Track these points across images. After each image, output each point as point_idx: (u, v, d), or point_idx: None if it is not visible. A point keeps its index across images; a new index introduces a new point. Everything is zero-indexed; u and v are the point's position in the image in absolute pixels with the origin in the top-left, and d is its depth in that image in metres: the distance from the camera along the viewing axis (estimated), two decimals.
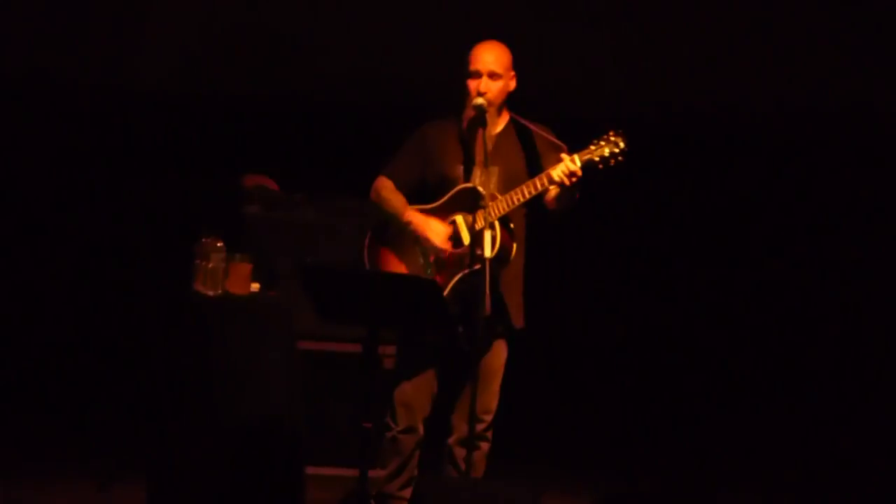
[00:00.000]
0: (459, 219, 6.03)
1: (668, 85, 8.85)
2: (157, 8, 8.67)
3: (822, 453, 8.62)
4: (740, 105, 8.89)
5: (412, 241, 6.09)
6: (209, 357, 6.24)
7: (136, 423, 6.87)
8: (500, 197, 5.95)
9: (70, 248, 8.73)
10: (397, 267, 6.10)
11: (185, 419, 6.21)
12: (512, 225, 6.00)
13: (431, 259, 6.06)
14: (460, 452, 6.09)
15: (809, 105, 8.83)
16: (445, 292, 5.94)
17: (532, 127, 6.10)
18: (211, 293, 6.33)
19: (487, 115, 6.01)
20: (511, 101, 6.15)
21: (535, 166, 6.06)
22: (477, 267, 5.86)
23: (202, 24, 8.66)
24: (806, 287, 9.06)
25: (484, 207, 5.88)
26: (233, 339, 6.28)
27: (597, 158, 5.85)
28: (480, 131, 6.02)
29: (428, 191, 6.13)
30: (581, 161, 5.85)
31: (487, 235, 5.80)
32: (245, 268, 6.40)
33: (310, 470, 6.54)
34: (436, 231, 6.03)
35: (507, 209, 5.93)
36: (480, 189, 5.96)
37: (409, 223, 6.06)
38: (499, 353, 6.17)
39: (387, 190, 6.14)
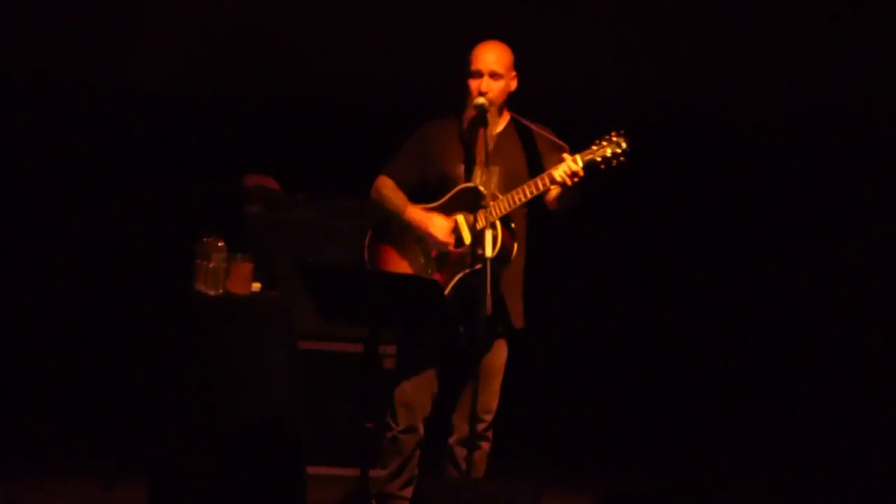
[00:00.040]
0: (461, 218, 6.03)
1: (668, 85, 8.85)
2: (158, 8, 8.66)
3: (822, 453, 8.62)
4: (740, 105, 8.89)
5: (413, 239, 6.09)
6: (210, 357, 6.25)
7: (136, 423, 6.88)
8: (501, 197, 5.95)
9: (71, 248, 8.72)
10: (398, 265, 6.10)
11: (185, 419, 6.21)
12: (513, 225, 6.00)
13: (434, 255, 6.06)
14: (461, 452, 6.09)
15: (809, 105, 8.83)
16: (446, 292, 5.94)
17: (533, 127, 6.10)
18: (212, 293, 6.34)
19: (488, 115, 6.01)
20: (511, 101, 6.15)
21: (536, 166, 6.06)
22: (478, 267, 5.86)
23: (202, 24, 8.66)
24: (806, 287, 9.06)
25: (485, 207, 5.88)
26: (234, 338, 6.29)
27: (599, 159, 5.86)
28: (482, 131, 6.02)
29: (429, 190, 6.13)
30: (583, 161, 5.85)
31: (489, 235, 5.80)
32: (246, 267, 6.41)
33: (311, 470, 6.54)
34: (438, 226, 6.03)
35: (508, 209, 5.93)
36: (482, 189, 5.96)
37: (410, 220, 6.06)
38: (499, 352, 6.17)
39: (387, 188, 6.14)
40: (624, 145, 5.87)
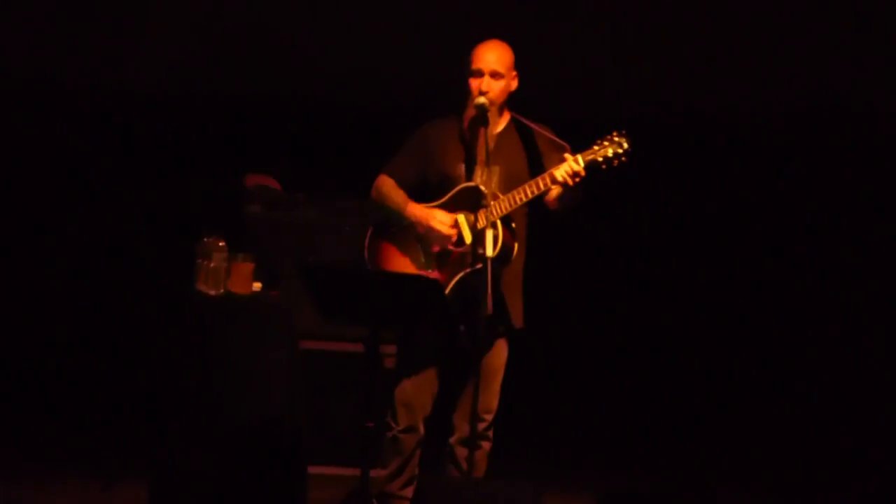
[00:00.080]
0: (461, 218, 6.03)
1: (668, 85, 8.85)
2: (158, 8, 8.66)
3: (822, 453, 8.62)
4: (740, 105, 8.89)
5: (414, 237, 6.09)
6: (211, 356, 6.25)
7: (137, 423, 6.88)
8: (501, 196, 5.95)
9: (72, 248, 8.72)
10: (398, 262, 6.09)
11: (186, 418, 6.22)
12: (514, 224, 6.00)
13: (436, 250, 6.05)
14: (462, 452, 6.09)
15: (809, 105, 8.83)
16: (447, 291, 5.94)
17: (533, 126, 6.10)
18: (213, 293, 6.34)
19: (489, 115, 6.01)
20: (511, 101, 6.15)
21: (537, 166, 6.06)
22: (479, 266, 5.86)
23: (203, 24, 8.66)
24: (806, 287, 9.06)
25: (486, 206, 5.88)
26: (234, 338, 6.30)
27: (600, 159, 5.86)
28: (482, 130, 6.01)
29: (429, 190, 6.13)
30: (584, 161, 5.85)
31: (489, 235, 5.80)
32: (247, 267, 6.42)
33: (311, 469, 6.56)
34: (440, 220, 6.02)
35: (509, 209, 5.93)
36: (482, 188, 5.96)
37: (412, 217, 6.06)
38: (500, 352, 6.17)
39: (388, 187, 6.14)
40: (625, 145, 5.87)
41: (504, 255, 5.95)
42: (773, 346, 9.09)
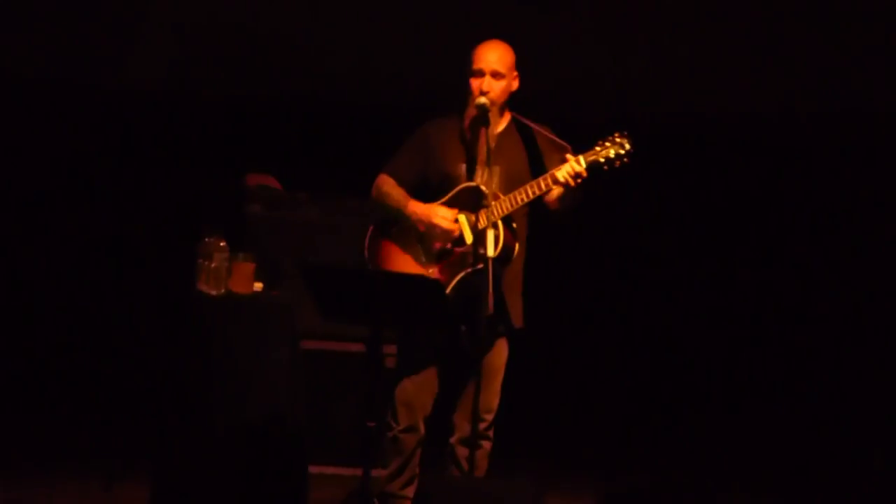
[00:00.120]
0: (462, 217, 6.03)
1: (669, 85, 8.85)
2: (158, 8, 8.66)
3: (821, 453, 8.63)
4: (740, 106, 8.89)
5: (415, 237, 6.09)
6: (212, 356, 6.25)
7: (138, 423, 6.88)
8: (503, 196, 5.95)
9: (73, 248, 8.73)
10: (399, 261, 6.09)
11: (188, 418, 6.21)
12: (514, 224, 6.01)
13: (437, 246, 6.05)
14: (463, 452, 6.10)
15: (809, 107, 8.83)
16: (447, 291, 5.94)
17: (534, 126, 6.10)
18: (214, 292, 6.34)
19: (490, 115, 6.01)
20: (511, 101, 6.15)
21: (538, 166, 6.06)
22: (479, 266, 5.86)
23: (203, 24, 8.66)
24: (806, 287, 9.06)
25: (487, 206, 5.88)
26: (236, 338, 6.29)
27: (602, 160, 5.86)
28: (483, 130, 6.01)
29: (430, 189, 6.13)
30: (586, 162, 5.85)
31: (490, 234, 5.80)
32: (248, 267, 6.41)
33: (313, 469, 6.56)
34: (442, 215, 6.02)
35: (510, 209, 5.93)
36: (484, 188, 5.96)
37: (413, 214, 6.06)
38: (500, 351, 6.17)
39: (388, 185, 6.14)
40: (627, 146, 5.87)
41: (505, 255, 5.95)
42: (773, 345, 9.09)
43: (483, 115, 6.00)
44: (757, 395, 9.03)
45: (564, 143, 5.98)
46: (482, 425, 6.06)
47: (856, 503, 8.11)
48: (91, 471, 7.26)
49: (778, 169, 9.05)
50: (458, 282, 5.98)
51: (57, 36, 8.60)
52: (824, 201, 9.00)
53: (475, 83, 6.05)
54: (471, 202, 6.01)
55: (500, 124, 6.14)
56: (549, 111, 6.24)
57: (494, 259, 5.80)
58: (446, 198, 6.07)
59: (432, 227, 6.02)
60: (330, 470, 7.32)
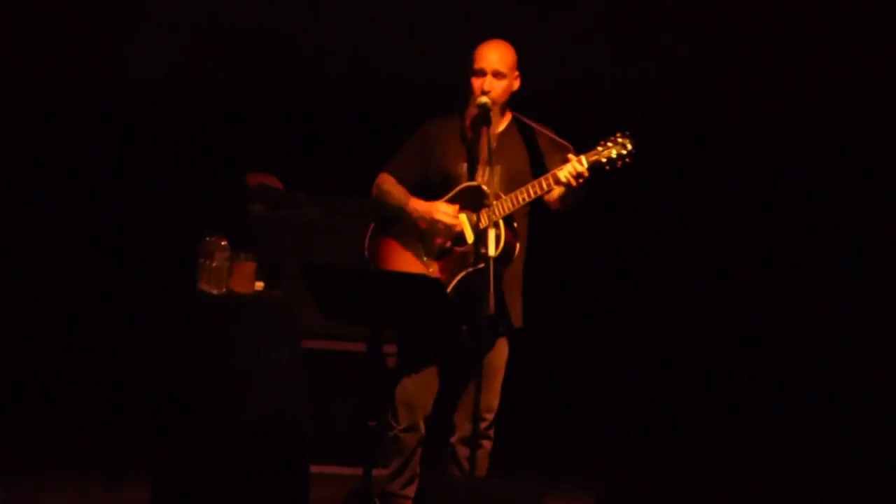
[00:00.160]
0: (463, 217, 6.03)
1: (668, 85, 8.85)
2: (159, 8, 8.66)
3: (822, 453, 8.63)
4: (740, 105, 8.89)
5: (416, 236, 6.08)
6: (213, 356, 6.24)
7: (139, 422, 6.87)
8: (504, 196, 5.94)
9: (74, 248, 8.72)
10: (400, 258, 6.08)
11: (189, 418, 6.21)
12: (515, 224, 6.00)
13: (439, 241, 6.04)
14: (463, 451, 6.09)
15: (809, 105, 8.83)
16: (448, 290, 5.94)
17: (535, 126, 6.10)
18: (215, 292, 6.33)
19: (491, 114, 6.01)
20: (511, 101, 6.15)
21: (538, 165, 6.06)
22: (480, 266, 5.86)
23: (204, 24, 8.66)
24: (806, 287, 9.07)
25: (489, 206, 5.88)
26: (237, 337, 6.29)
27: (604, 160, 5.85)
28: (484, 129, 6.01)
29: (431, 189, 6.12)
30: (588, 162, 5.84)
31: (492, 234, 5.80)
32: (249, 266, 6.41)
33: (314, 468, 6.55)
34: (444, 211, 6.01)
35: (511, 208, 5.93)
36: (485, 188, 5.95)
37: (414, 211, 6.05)
38: (501, 351, 6.17)
39: (389, 184, 6.13)
40: (629, 146, 5.86)
41: (506, 254, 5.95)
42: (773, 345, 9.09)
43: (484, 115, 5.99)
44: (757, 395, 9.03)
45: (566, 143, 5.97)
46: (483, 425, 6.06)
47: (856, 503, 8.11)
48: (91, 471, 7.25)
49: (778, 169, 9.05)
50: (459, 281, 5.98)
51: (57, 36, 8.60)
52: (824, 201, 9.01)
53: (476, 82, 6.05)
54: (472, 201, 6.00)
55: (501, 124, 6.13)
56: (550, 111, 6.24)
57: (495, 259, 5.80)
58: (447, 197, 6.07)
59: (434, 223, 6.02)
60: (330, 469, 7.32)
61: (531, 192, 5.90)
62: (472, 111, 6.05)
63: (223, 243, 6.35)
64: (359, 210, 7.28)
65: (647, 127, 6.31)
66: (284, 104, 8.77)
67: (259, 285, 6.48)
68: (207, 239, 6.36)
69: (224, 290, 6.34)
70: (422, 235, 6.08)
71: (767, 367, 9.08)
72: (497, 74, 6.04)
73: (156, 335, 6.60)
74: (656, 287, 9.17)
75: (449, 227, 6.00)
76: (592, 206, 6.22)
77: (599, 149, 5.87)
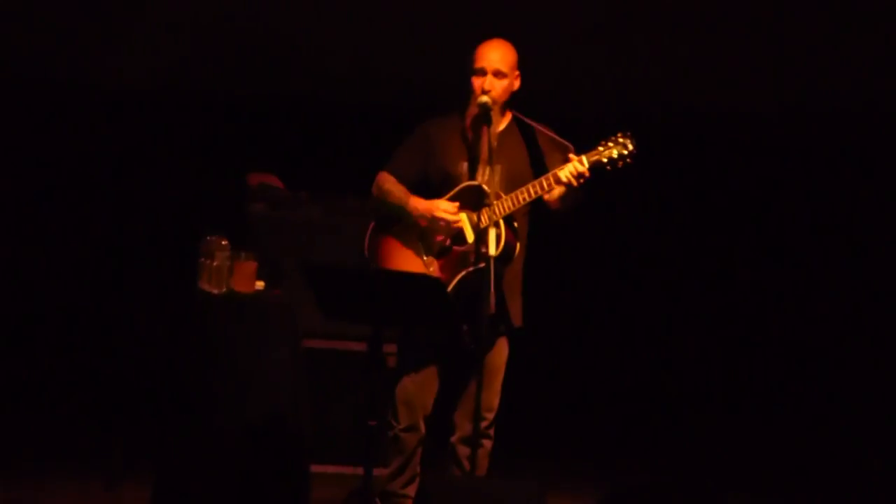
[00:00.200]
0: (463, 216, 6.03)
1: (668, 85, 8.85)
2: (158, 8, 8.66)
3: (822, 453, 8.63)
4: (740, 105, 8.89)
5: (416, 235, 6.08)
6: (214, 355, 6.25)
7: (140, 422, 6.87)
8: (504, 196, 5.95)
9: (74, 248, 8.72)
10: (400, 257, 6.09)
11: (189, 417, 6.21)
12: (515, 224, 6.01)
13: (439, 239, 6.04)
14: (464, 451, 6.10)
15: (809, 105, 8.83)
16: (449, 289, 5.94)
17: (535, 125, 6.10)
18: (216, 291, 6.34)
19: (491, 113, 6.01)
20: (512, 101, 6.15)
21: (539, 165, 6.07)
22: (481, 265, 5.86)
23: (204, 24, 8.66)
24: (806, 287, 9.07)
25: (489, 205, 5.88)
26: (238, 337, 6.29)
27: (605, 160, 5.86)
28: (485, 129, 6.01)
29: (431, 188, 6.13)
30: (589, 162, 5.85)
31: (492, 234, 5.81)
32: (250, 266, 6.41)
33: (314, 468, 6.55)
34: (444, 209, 6.02)
35: (512, 208, 5.93)
36: (486, 187, 5.95)
37: (415, 209, 6.05)
38: (501, 350, 6.18)
39: (389, 183, 6.13)
40: (630, 147, 5.87)
41: (506, 254, 5.96)
42: (773, 346, 9.09)
43: (485, 114, 6.00)
44: (757, 396, 9.03)
45: (566, 143, 5.97)
46: (483, 424, 6.06)
47: (856, 503, 8.11)
48: (91, 471, 7.25)
49: (778, 169, 9.05)
50: (459, 281, 5.98)
51: (56, 36, 8.59)
52: (824, 201, 9.01)
53: (477, 82, 6.05)
54: (473, 201, 6.00)
55: (502, 123, 6.14)
56: (550, 111, 6.24)
57: (496, 258, 5.81)
58: (448, 196, 6.07)
59: (435, 220, 6.02)
60: (331, 469, 7.32)
61: (532, 191, 5.91)
62: (473, 110, 6.06)
63: (224, 243, 6.35)
64: (359, 209, 7.27)
65: (647, 127, 6.31)
66: (284, 104, 8.77)
67: (260, 285, 6.48)
68: (208, 238, 6.37)
69: (225, 289, 6.35)
70: (422, 234, 6.08)
71: (767, 367, 9.08)
72: (498, 74, 6.04)
73: (156, 335, 6.59)
74: (656, 287, 9.17)
75: (450, 225, 6.00)
76: (592, 206, 6.23)
77: (600, 149, 5.87)
